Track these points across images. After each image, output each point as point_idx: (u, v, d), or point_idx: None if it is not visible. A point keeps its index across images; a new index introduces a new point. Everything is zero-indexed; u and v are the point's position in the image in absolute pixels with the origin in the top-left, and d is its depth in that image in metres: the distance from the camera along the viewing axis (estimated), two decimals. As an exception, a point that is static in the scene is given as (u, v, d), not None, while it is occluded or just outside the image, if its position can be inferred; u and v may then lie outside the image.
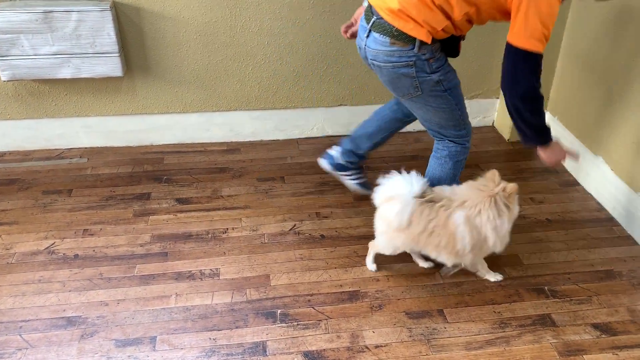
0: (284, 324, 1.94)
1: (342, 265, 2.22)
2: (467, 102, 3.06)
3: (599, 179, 2.57)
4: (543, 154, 1.97)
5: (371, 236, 2.34)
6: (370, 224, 2.42)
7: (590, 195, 2.63)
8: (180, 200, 2.60)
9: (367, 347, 1.85)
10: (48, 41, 2.57)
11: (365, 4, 2.01)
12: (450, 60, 2.06)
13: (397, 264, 2.21)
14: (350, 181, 2.55)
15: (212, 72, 2.88)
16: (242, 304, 2.03)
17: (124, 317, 1.97)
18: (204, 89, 2.92)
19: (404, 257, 2.24)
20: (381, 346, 1.86)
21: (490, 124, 3.25)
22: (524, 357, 1.82)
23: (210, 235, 2.38)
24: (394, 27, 1.83)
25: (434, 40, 1.86)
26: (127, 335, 1.90)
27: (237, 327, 1.93)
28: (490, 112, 3.21)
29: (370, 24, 1.90)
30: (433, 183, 2.14)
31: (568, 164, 2.82)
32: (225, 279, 2.14)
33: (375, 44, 1.90)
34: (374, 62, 1.95)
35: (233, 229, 2.42)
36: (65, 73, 2.66)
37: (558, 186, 2.71)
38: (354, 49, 2.88)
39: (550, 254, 2.27)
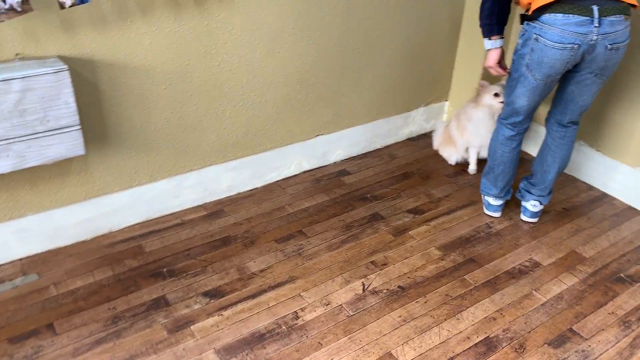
0: (457, 404, 1.69)
1: (449, 313, 2.01)
2: (423, 109, 3.09)
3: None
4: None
5: (442, 274, 2.19)
6: (430, 260, 2.26)
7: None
8: (210, 295, 2.06)
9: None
10: (-24, 127, 1.75)
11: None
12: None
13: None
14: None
15: (184, 127, 2.32)
16: (394, 398, 1.70)
17: None
18: (175, 148, 2.34)
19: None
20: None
21: (441, 126, 3.30)
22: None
23: (284, 327, 1.93)
24: (624, 2, 1.92)
25: None
26: None
27: None
28: (440, 115, 3.24)
29: (596, 13, 1.90)
30: (562, 168, 2.40)
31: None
32: (350, 374, 1.77)
33: (613, 27, 1.93)
34: (614, 45, 1.97)
35: (302, 310, 2.01)
36: (3, 166, 1.86)
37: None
38: (331, 72, 2.62)
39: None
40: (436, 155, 3.02)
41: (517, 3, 2.11)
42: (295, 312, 2.00)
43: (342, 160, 2.93)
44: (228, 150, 2.50)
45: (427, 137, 3.19)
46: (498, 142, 2.34)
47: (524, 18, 2.06)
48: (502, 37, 2.19)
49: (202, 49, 2.20)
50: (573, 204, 2.66)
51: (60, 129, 1.90)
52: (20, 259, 2.17)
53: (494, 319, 2.00)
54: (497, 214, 2.52)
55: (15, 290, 2.03)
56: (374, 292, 2.10)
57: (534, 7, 1.97)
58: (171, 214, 2.47)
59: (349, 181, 2.77)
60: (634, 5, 1.97)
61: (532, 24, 2.01)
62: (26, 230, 2.13)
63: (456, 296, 2.09)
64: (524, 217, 2.51)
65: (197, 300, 2.03)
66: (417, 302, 2.06)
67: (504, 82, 2.71)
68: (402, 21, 2.73)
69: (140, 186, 2.33)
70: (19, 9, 1.66)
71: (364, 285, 2.13)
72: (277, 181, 2.74)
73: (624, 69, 2.50)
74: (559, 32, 1.94)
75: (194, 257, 2.24)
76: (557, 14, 1.94)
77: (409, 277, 2.18)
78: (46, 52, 1.88)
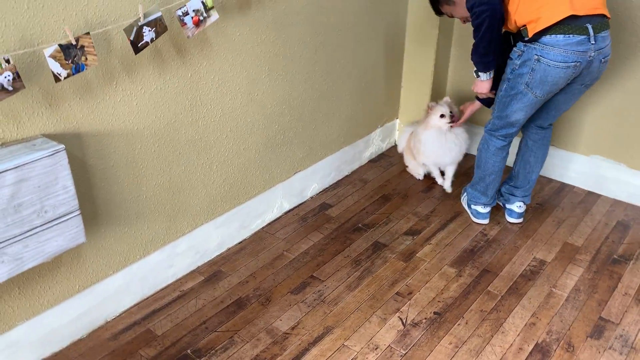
0: (545, 419, 1.69)
1: (492, 329, 2.03)
2: (379, 130, 3.12)
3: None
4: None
5: (467, 290, 2.22)
6: (449, 279, 2.26)
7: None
8: (251, 367, 1.87)
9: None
10: (-35, 236, 1.43)
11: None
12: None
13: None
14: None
15: (174, 189, 2.10)
16: None
17: None
18: (166, 214, 2.11)
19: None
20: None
21: (394, 144, 3.34)
22: None
23: (345, 383, 1.81)
24: (607, 17, 2.05)
25: None
26: None
27: None
28: (393, 133, 3.29)
29: (591, 30, 2.00)
30: (542, 165, 2.55)
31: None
32: (433, 416, 1.70)
33: (604, 41, 2.06)
34: (606, 58, 2.11)
35: (354, 360, 1.90)
36: (-2, 276, 1.54)
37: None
38: (303, 108, 2.54)
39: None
40: (403, 172, 3.05)
41: (504, 25, 2.17)
42: (348, 364, 1.89)
43: (318, 194, 2.85)
44: (216, 206, 2.31)
45: (386, 156, 3.22)
46: (490, 153, 2.42)
47: (519, 38, 2.12)
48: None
49: (187, 103, 2.01)
50: (543, 198, 2.83)
51: (59, 218, 1.62)
52: (11, 379, 1.81)
53: (534, 324, 2.06)
54: (487, 221, 2.61)
55: (21, 419, 1.69)
56: (415, 325, 2.05)
57: (534, 30, 2.03)
58: (167, 287, 2.22)
59: (334, 214, 2.70)
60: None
61: (532, 46, 2.07)
62: (16, 344, 1.78)
63: (490, 310, 2.12)
64: (510, 219, 2.62)
65: (241, 377, 1.84)
66: (458, 324, 2.05)
67: (447, 98, 2.79)
68: (358, 53, 2.73)
69: (134, 264, 2.06)
70: (10, 88, 1.39)
71: (401, 320, 2.08)
72: (263, 227, 2.59)
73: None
74: (563, 52, 2.02)
75: (214, 330, 2.02)
76: (558, 35, 2.01)
77: (439, 301, 2.16)
78: (29, 132, 1.59)
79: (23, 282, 1.73)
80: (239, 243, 2.48)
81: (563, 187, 2.92)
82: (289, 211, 2.71)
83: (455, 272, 2.31)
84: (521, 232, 2.57)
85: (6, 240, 1.52)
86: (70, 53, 1.47)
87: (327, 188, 2.90)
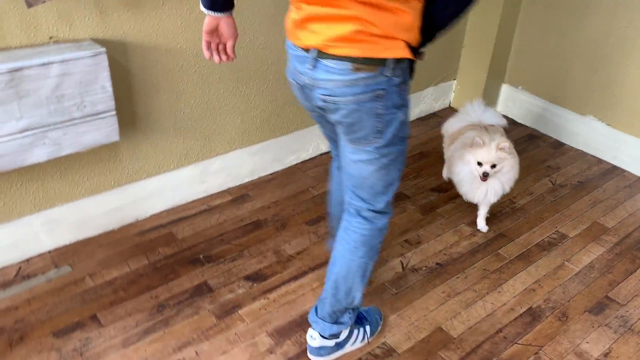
0: (514, 373, 1.73)
1: (489, 287, 2.05)
2: (432, 89, 3.11)
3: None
4: None
5: (476, 249, 2.23)
6: (462, 236, 2.29)
7: (584, 151, 2.93)
8: (252, 278, 2.04)
9: None
10: (14, 114, 1.67)
11: None
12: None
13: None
14: None
15: (212, 111, 2.27)
16: (453, 370, 1.73)
17: None
18: (202, 133, 2.29)
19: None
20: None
21: (448, 105, 3.33)
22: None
23: (332, 308, 1.93)
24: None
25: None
26: None
27: (478, 399, 1.65)
28: (448, 94, 3.27)
29: (314, 52, 1.32)
30: (343, 283, 1.61)
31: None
32: (403, 350, 1.79)
33: (329, 74, 1.32)
34: (328, 99, 1.35)
35: (347, 290, 2.01)
36: (39, 155, 1.78)
37: (553, 150, 2.94)
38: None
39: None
40: (447, 134, 3.05)
41: None
42: (340, 292, 2.00)
43: (357, 142, 2.93)
44: (252, 134, 2.46)
45: (436, 116, 3.22)
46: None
47: None
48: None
49: (231, 30, 2.15)
50: (586, 177, 2.73)
51: (96, 114, 1.83)
52: (50, 251, 2.09)
53: (534, 290, 2.05)
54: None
55: (50, 283, 1.96)
56: (414, 270, 2.12)
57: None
58: (197, 200, 2.42)
59: (367, 162, 2.77)
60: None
61: None
62: (55, 222, 2.06)
63: (494, 270, 2.13)
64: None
65: (240, 285, 2.01)
66: (457, 277, 2.09)
67: (505, 140, 2.18)
68: None
69: (167, 173, 2.27)
70: (60, -11, 1.58)
71: (402, 263, 2.15)
72: (297, 164, 2.72)
73: (608, 45, 2.57)
74: (289, 62, 1.46)
75: (228, 242, 2.20)
76: (289, 41, 1.42)
77: (445, 254, 2.20)
78: (79, 35, 1.80)
79: (64, 168, 1.98)
80: (271, 174, 2.63)
81: (613, 170, 2.79)
82: (325, 153, 2.81)
83: (471, 231, 2.33)
84: (552, 205, 2.51)
85: (48, 126, 1.75)
86: (116, -36, 1.64)
87: (368, 137, 2.97)
